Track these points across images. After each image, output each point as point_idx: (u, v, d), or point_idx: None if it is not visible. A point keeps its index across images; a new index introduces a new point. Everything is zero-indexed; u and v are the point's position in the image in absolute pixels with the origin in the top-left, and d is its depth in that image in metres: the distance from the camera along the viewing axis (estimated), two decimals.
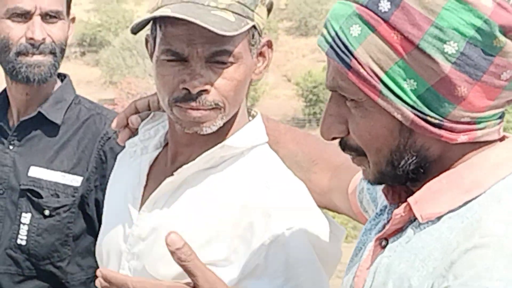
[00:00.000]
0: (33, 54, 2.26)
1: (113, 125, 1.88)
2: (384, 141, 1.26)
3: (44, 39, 2.25)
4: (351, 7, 1.24)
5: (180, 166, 1.72)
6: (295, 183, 1.74)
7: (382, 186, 1.38)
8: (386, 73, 1.21)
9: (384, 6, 1.21)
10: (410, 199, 1.27)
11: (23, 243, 2.29)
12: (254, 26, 1.68)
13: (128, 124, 1.87)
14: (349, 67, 1.23)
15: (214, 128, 1.69)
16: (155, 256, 1.73)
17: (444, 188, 1.26)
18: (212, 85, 1.65)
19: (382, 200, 1.46)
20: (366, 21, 1.22)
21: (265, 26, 1.74)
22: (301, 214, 1.69)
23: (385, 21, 1.20)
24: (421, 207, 1.26)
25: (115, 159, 2.23)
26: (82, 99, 2.41)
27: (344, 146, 1.32)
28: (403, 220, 1.29)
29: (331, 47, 1.25)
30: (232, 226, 1.68)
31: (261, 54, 1.74)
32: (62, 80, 2.43)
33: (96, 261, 2.31)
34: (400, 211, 1.28)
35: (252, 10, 1.67)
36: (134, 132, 1.89)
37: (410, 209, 1.27)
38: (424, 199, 1.27)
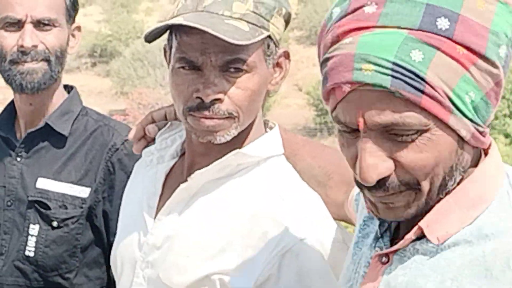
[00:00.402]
0: (25, 62, 2.25)
1: (130, 135, 1.90)
2: (444, 164, 1.21)
3: (35, 46, 2.24)
4: (400, 34, 1.15)
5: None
6: (309, 194, 1.75)
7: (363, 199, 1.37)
8: (453, 90, 1.17)
9: (443, 24, 1.15)
10: (421, 223, 1.25)
11: (31, 254, 2.29)
12: (269, 37, 1.68)
13: (145, 134, 1.89)
14: (421, 93, 1.16)
15: (228, 138, 1.69)
16: (169, 265, 1.74)
17: (452, 207, 1.25)
18: (225, 94, 1.65)
19: (365, 212, 1.44)
20: (427, 43, 1.15)
21: (282, 37, 1.73)
22: (315, 225, 1.69)
23: (449, 38, 1.15)
24: (433, 230, 1.25)
25: (123, 170, 2.25)
26: (89, 110, 2.41)
27: (388, 184, 1.21)
28: (410, 240, 1.28)
29: (395, 78, 1.15)
30: (245, 236, 1.69)
31: (278, 65, 1.74)
32: (69, 92, 2.43)
33: (103, 272, 2.32)
34: (411, 235, 1.26)
35: (268, 20, 1.67)
36: (150, 142, 1.90)
37: (422, 232, 1.26)
38: (434, 221, 1.25)
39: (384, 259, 1.31)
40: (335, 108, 1.21)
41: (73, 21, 2.37)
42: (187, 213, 1.76)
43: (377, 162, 1.19)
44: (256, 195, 1.72)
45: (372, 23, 1.17)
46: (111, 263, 1.96)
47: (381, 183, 1.20)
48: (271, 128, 1.83)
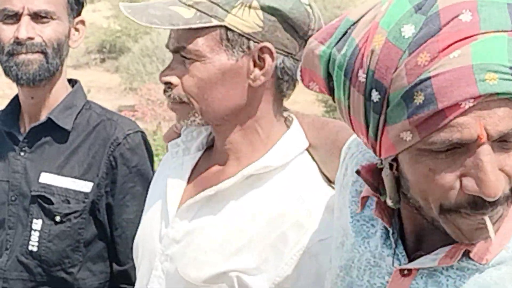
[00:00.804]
0: (21, 53, 2.25)
1: (164, 138, 1.97)
2: None
3: (31, 38, 2.24)
4: (503, 37, 1.10)
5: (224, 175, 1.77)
6: (328, 195, 1.74)
7: (359, 194, 1.35)
8: None
9: None
10: (471, 248, 1.23)
11: (35, 249, 2.28)
12: (226, 27, 1.68)
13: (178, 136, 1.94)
14: None
15: (191, 124, 1.76)
16: (187, 260, 1.75)
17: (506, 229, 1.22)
18: (180, 79, 1.73)
19: (352, 207, 1.43)
20: None
21: (259, 31, 1.70)
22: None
23: None
24: (480, 251, 1.23)
25: (125, 164, 2.25)
26: (93, 104, 2.41)
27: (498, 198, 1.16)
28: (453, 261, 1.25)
29: None
30: (265, 236, 1.70)
31: (260, 59, 1.72)
32: (73, 86, 2.42)
33: (107, 266, 2.32)
34: (456, 258, 1.23)
35: (226, 11, 1.68)
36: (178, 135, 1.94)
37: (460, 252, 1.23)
38: (485, 244, 1.23)
39: (406, 271, 1.29)
40: (436, 130, 1.12)
41: (78, 15, 2.36)
42: (208, 211, 1.77)
43: (499, 174, 1.14)
44: (277, 196, 1.73)
45: (475, 31, 1.10)
46: (133, 252, 1.97)
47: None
48: (290, 121, 1.83)
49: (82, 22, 2.38)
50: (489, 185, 1.12)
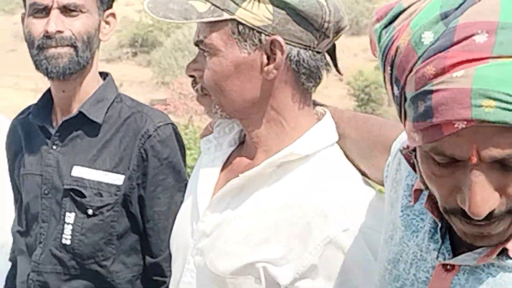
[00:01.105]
0: (50, 47, 2.25)
1: (201, 137, 1.99)
2: None
3: (61, 31, 2.24)
4: (507, 64, 1.07)
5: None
6: (355, 186, 1.74)
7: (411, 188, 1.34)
8: None
9: None
10: (508, 246, 1.22)
11: (68, 242, 2.29)
12: (237, 21, 1.70)
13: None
14: None
15: (214, 115, 1.81)
16: (216, 252, 1.77)
17: None
18: (202, 72, 1.78)
19: (404, 201, 1.42)
20: None
21: (269, 24, 1.71)
22: (358, 216, 1.68)
23: None
24: None
25: (155, 156, 2.25)
26: (124, 97, 2.41)
27: (494, 215, 1.16)
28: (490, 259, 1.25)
29: None
30: (290, 226, 1.70)
31: (272, 52, 1.73)
32: (104, 79, 2.43)
33: (140, 259, 2.34)
34: (493, 255, 1.23)
35: (237, 4, 1.69)
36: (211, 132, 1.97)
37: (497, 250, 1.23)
38: None
39: (449, 266, 1.28)
40: (435, 141, 1.13)
41: (108, 8, 2.36)
42: (236, 203, 1.79)
43: (489, 196, 1.13)
44: (302, 186, 1.73)
45: (486, 54, 1.07)
46: (171, 247, 2.01)
47: (488, 215, 1.14)
48: (322, 115, 1.83)
49: (113, 15, 2.38)
50: (475, 206, 1.12)
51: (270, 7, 1.69)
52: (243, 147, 1.89)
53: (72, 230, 2.29)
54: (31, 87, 26.70)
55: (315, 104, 1.86)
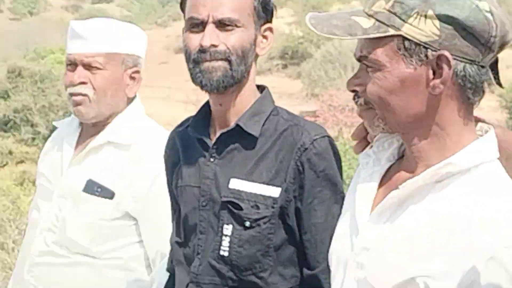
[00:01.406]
0: (205, 60, 2.29)
1: (353, 134, 1.99)
2: None
3: (215, 45, 2.27)
4: None
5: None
6: None
7: None
8: None
9: None
10: None
11: (226, 254, 2.32)
12: (402, 37, 1.71)
13: (366, 135, 1.96)
14: None
15: (376, 129, 1.84)
16: (378, 267, 1.77)
17: None
18: (365, 87, 1.79)
19: None
20: None
21: (436, 40, 1.71)
22: None
23: None
24: None
25: (312, 169, 2.26)
26: (280, 110, 2.42)
27: None
28: None
29: None
30: (451, 240, 1.68)
31: (438, 67, 1.73)
32: (261, 92, 2.45)
33: (298, 271, 2.34)
34: None
35: (403, 20, 1.70)
36: (370, 144, 1.97)
37: None
38: None
39: None
40: None
41: (266, 22, 2.38)
42: (397, 217, 1.78)
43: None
44: (463, 200, 1.71)
45: None
46: (329, 261, 2.01)
47: None
48: (485, 132, 1.81)
49: (270, 29, 2.40)
50: None
51: (437, 22, 1.69)
52: (402, 162, 1.88)
53: (230, 242, 2.31)
54: (182, 99, 27.38)
55: (478, 120, 1.85)
